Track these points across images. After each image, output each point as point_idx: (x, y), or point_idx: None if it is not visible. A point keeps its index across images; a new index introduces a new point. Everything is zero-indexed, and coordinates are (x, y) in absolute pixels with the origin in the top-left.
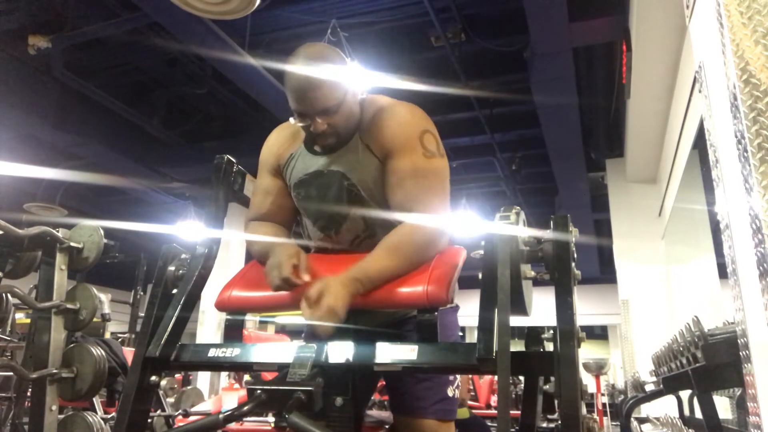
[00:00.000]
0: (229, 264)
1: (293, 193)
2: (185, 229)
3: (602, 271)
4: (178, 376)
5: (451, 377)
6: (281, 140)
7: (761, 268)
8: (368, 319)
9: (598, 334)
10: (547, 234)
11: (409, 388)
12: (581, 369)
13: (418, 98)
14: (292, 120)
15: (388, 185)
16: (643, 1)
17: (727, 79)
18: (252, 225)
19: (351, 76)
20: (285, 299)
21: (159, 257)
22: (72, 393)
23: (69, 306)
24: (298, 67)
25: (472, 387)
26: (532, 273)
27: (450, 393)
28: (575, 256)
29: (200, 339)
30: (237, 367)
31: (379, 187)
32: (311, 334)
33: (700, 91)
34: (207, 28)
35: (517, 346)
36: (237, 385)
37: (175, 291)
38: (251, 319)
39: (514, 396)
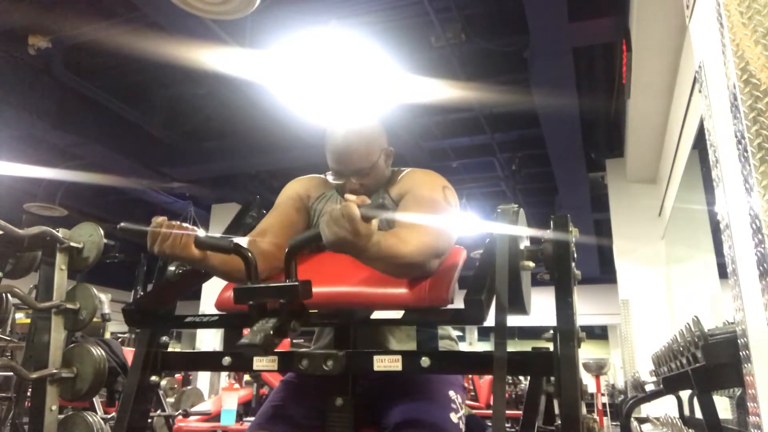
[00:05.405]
0: None
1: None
2: None
3: (602, 271)
4: (178, 376)
5: (454, 405)
6: (314, 183)
7: (761, 268)
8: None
9: (598, 334)
10: (547, 234)
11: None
12: (581, 369)
13: (418, 98)
14: (329, 177)
15: (403, 207)
16: (643, 1)
17: (727, 79)
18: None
19: (384, 139)
20: None
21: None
22: (72, 393)
23: (69, 306)
24: (339, 129)
25: (472, 387)
26: (532, 264)
27: (454, 419)
28: (575, 256)
29: (200, 339)
30: (237, 367)
31: None
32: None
33: (700, 91)
34: (207, 28)
35: (518, 346)
36: (237, 385)
37: None
38: None
39: (515, 396)
